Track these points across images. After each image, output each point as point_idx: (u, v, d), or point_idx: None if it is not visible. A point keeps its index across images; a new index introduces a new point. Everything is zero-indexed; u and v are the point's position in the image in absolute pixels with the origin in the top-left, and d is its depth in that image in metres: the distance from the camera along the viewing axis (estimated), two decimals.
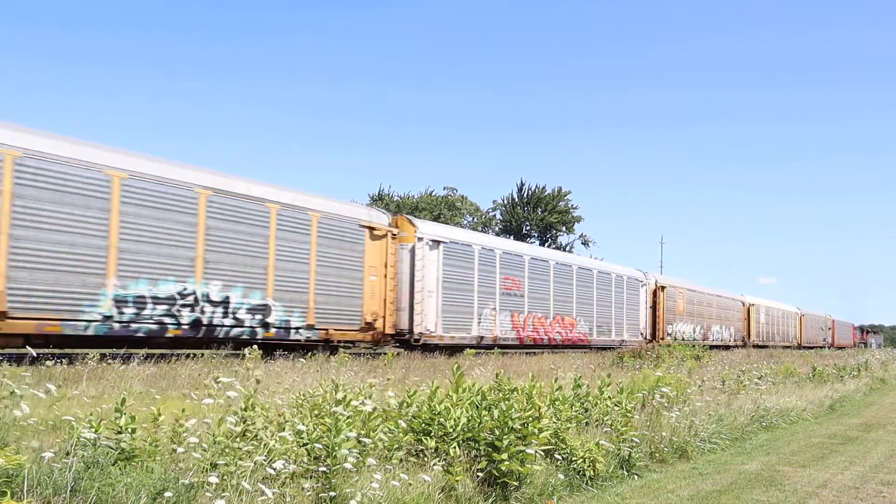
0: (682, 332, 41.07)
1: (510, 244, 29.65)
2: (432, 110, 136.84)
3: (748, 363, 22.27)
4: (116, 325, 14.30)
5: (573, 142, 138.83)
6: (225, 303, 16.25)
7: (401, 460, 6.74)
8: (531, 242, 64.82)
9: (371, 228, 20.31)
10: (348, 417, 6.18)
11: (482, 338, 24.56)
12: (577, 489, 8.21)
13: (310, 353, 15.33)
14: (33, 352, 8.09)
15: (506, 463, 7.13)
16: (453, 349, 22.45)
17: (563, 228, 71.34)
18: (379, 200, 63.72)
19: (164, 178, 15.20)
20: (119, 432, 5.59)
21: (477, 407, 7.58)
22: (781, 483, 9.02)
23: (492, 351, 22.07)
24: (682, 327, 41.27)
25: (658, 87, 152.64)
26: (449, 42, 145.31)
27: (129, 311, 14.48)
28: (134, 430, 5.67)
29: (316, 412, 6.38)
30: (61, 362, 10.72)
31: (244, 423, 5.78)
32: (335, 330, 19.02)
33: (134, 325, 14.57)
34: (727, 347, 42.27)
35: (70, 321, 13.60)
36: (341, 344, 19.30)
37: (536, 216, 69.77)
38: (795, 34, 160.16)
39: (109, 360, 11.81)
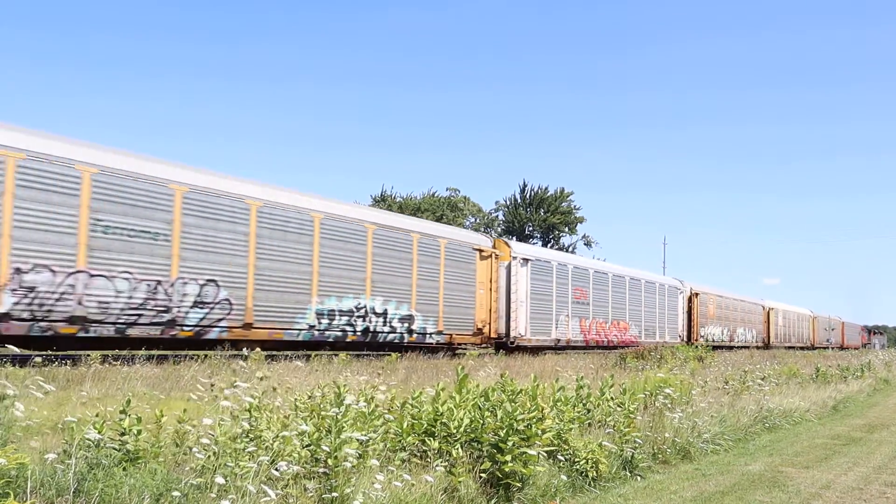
0: (712, 334, 44.44)
1: (578, 260, 35.13)
2: (434, 111, 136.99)
3: (751, 363, 22.23)
4: (316, 333, 18.23)
5: (575, 142, 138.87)
6: (384, 314, 20.47)
7: (403, 461, 6.74)
8: (534, 244, 64.78)
9: (480, 250, 24.62)
10: (350, 418, 6.18)
11: (559, 340, 28.68)
12: (579, 490, 8.21)
13: (438, 353, 20.75)
14: (16, 350, 8.08)
15: (509, 464, 7.13)
16: (537, 350, 26.69)
17: (566, 229, 71.41)
18: (381, 201, 63.76)
19: (346, 217, 19.62)
20: (123, 434, 5.60)
21: (480, 408, 7.58)
22: (785, 484, 9.01)
23: (564, 351, 27.50)
24: (712, 330, 44.79)
25: (659, 87, 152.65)
26: (450, 43, 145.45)
27: (324, 321, 18.50)
28: (139, 432, 5.67)
29: (318, 413, 6.39)
30: (64, 363, 10.74)
31: (248, 423, 5.79)
32: (456, 334, 23.18)
33: (327, 333, 18.55)
34: (748, 347, 45.52)
35: (288, 330, 17.60)
36: (459, 346, 23.54)
37: (539, 217, 69.82)
38: (795, 34, 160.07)
39: (112, 361, 11.84)
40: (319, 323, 18.22)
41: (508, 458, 7.12)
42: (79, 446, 5.31)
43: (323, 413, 6.26)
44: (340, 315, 18.91)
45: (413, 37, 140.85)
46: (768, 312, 56.51)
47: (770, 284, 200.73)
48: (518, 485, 7.28)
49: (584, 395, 10.11)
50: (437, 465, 6.82)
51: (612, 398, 10.27)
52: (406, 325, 21.08)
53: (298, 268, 17.84)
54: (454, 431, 7.29)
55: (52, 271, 13.28)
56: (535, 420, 7.64)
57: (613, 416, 9.88)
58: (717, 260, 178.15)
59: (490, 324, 24.59)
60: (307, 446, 5.85)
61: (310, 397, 7.16)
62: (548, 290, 28.08)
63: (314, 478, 5.69)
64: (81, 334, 13.79)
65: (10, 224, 12.79)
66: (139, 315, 14.55)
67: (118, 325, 14.25)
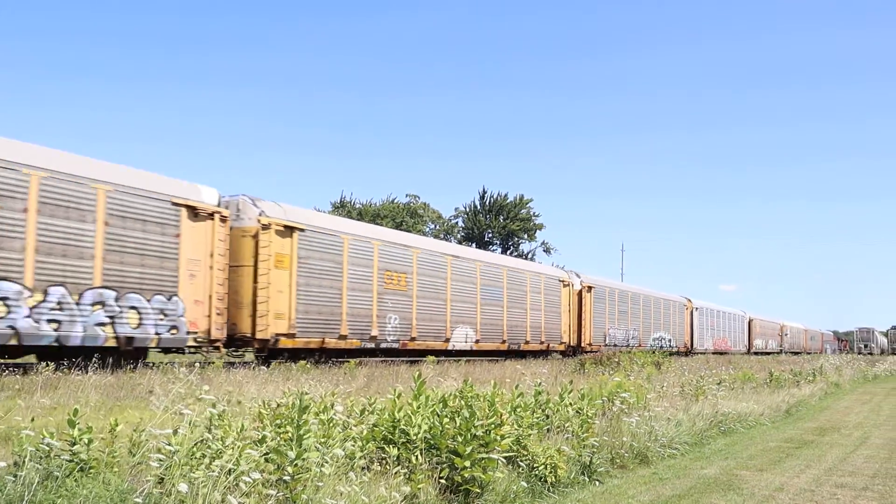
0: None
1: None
2: (394, 117, 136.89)
3: (707, 368, 22.57)
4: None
5: (535, 149, 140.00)
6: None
7: (363, 468, 6.70)
8: (493, 250, 65.05)
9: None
10: (309, 426, 6.13)
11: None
12: (538, 496, 8.25)
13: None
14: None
15: (468, 470, 7.13)
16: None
17: (525, 236, 71.79)
18: (341, 208, 63.45)
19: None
20: (73, 443, 5.47)
21: (438, 415, 7.57)
22: (739, 487, 9.16)
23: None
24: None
25: (619, 94, 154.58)
26: (409, 49, 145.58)
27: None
28: (90, 441, 5.55)
29: (277, 421, 6.33)
30: (14, 372, 10.49)
31: (208, 430, 5.71)
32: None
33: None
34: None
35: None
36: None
37: (498, 223, 70.11)
38: (750, 40, 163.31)
39: (65, 370, 11.60)
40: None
41: (467, 463, 7.13)
42: (30, 456, 5.18)
43: (283, 421, 6.20)
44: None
45: (372, 43, 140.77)
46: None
47: (727, 291, 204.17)
48: (478, 491, 7.29)
49: (542, 400, 10.16)
50: (396, 472, 6.80)
51: (570, 403, 10.34)
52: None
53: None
54: (413, 438, 7.27)
55: None
56: (493, 426, 7.66)
57: (572, 421, 9.95)
58: (676, 268, 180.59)
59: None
60: (266, 455, 5.79)
61: (277, 406, 7.08)
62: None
63: (274, 486, 5.63)
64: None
65: None
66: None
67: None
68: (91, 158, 15.10)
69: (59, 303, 13.84)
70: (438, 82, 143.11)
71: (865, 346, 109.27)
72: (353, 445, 6.76)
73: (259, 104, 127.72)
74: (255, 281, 18.23)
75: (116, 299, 14.80)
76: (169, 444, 5.44)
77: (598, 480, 9.30)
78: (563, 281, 34.30)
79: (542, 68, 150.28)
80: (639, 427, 11.13)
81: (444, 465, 7.22)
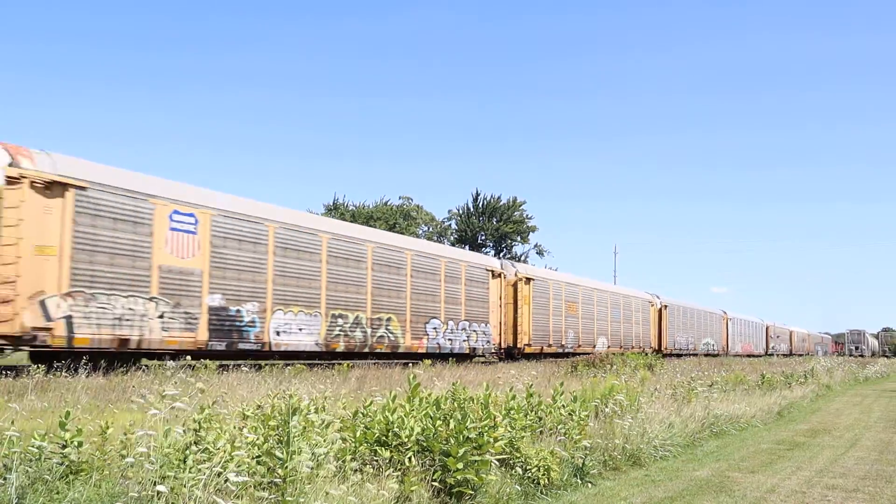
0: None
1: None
2: (387, 119, 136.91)
3: (699, 370, 22.62)
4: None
5: (529, 151, 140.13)
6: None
7: (355, 470, 6.69)
8: (486, 252, 65.04)
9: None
10: (301, 427, 6.12)
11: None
12: (531, 498, 8.24)
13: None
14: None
15: (460, 472, 7.13)
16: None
17: (518, 238, 71.81)
18: (333, 210, 63.39)
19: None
20: (64, 446, 5.45)
21: (431, 417, 7.56)
22: (731, 489, 9.18)
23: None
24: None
25: (613, 96, 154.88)
26: (403, 51, 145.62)
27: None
28: (80, 444, 5.53)
29: (268, 422, 6.31)
30: (6, 375, 10.44)
31: (195, 433, 5.69)
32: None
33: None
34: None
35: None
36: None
37: (492, 226, 70.13)
38: (744, 40, 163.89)
39: (56, 372, 11.56)
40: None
41: (460, 465, 7.12)
42: (20, 459, 5.15)
43: (273, 423, 6.18)
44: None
45: (365, 45, 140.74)
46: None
47: (718, 293, 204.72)
48: (471, 493, 7.28)
49: (535, 402, 10.17)
50: (389, 475, 6.78)
51: (563, 406, 10.35)
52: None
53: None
54: (405, 440, 7.26)
55: None
56: (486, 428, 7.66)
57: (565, 423, 9.96)
58: (669, 269, 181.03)
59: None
60: (257, 457, 5.77)
61: (259, 407, 7.06)
62: None
63: (266, 488, 5.62)
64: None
65: None
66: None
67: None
68: (442, 246, 26.68)
69: (451, 330, 26.74)
70: (432, 84, 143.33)
71: (856, 348, 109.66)
72: (341, 445, 6.75)
73: (250, 105, 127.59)
74: (515, 312, 31.19)
75: (469, 326, 27.83)
76: (154, 447, 5.42)
77: (590, 482, 9.30)
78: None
79: (535, 70, 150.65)
80: (632, 429, 11.14)
81: (438, 468, 7.22)
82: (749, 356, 58.68)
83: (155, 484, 5.05)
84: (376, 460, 7.03)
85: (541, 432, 9.68)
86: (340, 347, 21.32)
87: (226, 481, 5.31)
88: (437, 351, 25.72)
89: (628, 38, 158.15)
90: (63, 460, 5.36)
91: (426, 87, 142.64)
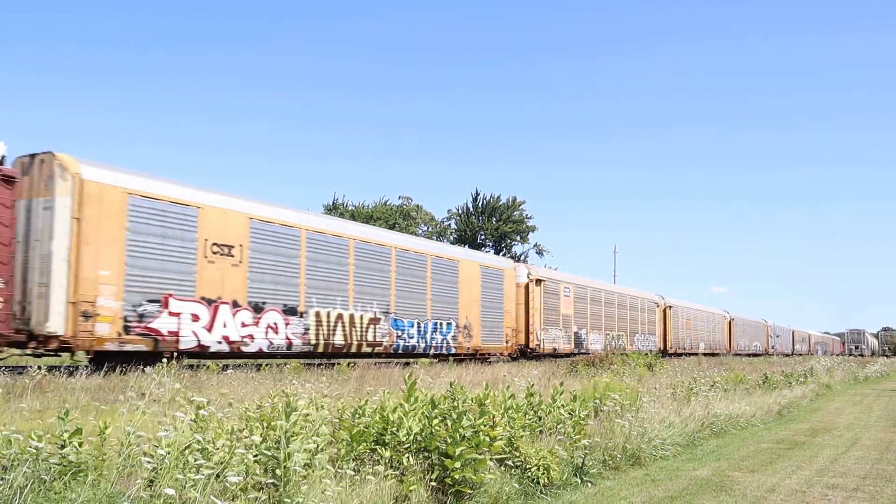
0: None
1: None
2: (387, 119, 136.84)
3: (700, 369, 22.60)
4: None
5: (528, 151, 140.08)
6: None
7: (354, 470, 6.67)
8: (486, 251, 65.03)
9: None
10: (298, 427, 6.11)
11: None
12: (531, 497, 8.23)
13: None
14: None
15: (458, 471, 7.11)
16: None
17: (518, 238, 71.77)
18: (333, 209, 63.37)
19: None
20: (63, 446, 5.43)
21: (428, 417, 7.54)
22: (731, 488, 9.17)
23: None
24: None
25: (613, 96, 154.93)
26: (403, 51, 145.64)
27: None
28: (80, 444, 5.51)
29: (265, 423, 6.30)
30: (3, 374, 10.43)
31: (195, 434, 5.68)
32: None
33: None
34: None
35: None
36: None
37: (491, 225, 70.08)
38: (747, 42, 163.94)
39: (55, 373, 11.54)
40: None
41: (458, 464, 7.11)
42: (18, 460, 5.14)
43: (272, 423, 6.17)
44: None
45: (365, 45, 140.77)
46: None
47: (718, 293, 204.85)
48: (469, 492, 7.27)
49: (534, 402, 10.15)
50: (387, 474, 6.77)
51: (563, 405, 10.33)
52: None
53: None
54: (403, 440, 7.25)
55: None
56: (484, 426, 7.65)
57: (564, 422, 9.94)
58: (669, 270, 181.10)
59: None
60: (255, 457, 5.76)
61: (259, 407, 7.04)
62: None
63: (263, 488, 5.60)
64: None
65: None
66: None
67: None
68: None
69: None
70: (431, 84, 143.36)
71: (856, 348, 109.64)
72: (335, 443, 6.73)
73: (250, 105, 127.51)
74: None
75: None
76: (158, 447, 5.41)
77: (590, 482, 9.29)
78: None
79: (534, 70, 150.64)
80: (632, 428, 11.13)
81: (436, 467, 7.21)
82: (750, 356, 59.62)
83: (153, 483, 5.04)
84: (375, 459, 7.02)
85: (540, 431, 9.67)
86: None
87: (223, 484, 5.30)
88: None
89: (628, 38, 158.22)
90: (61, 461, 5.34)
91: (426, 87, 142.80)
